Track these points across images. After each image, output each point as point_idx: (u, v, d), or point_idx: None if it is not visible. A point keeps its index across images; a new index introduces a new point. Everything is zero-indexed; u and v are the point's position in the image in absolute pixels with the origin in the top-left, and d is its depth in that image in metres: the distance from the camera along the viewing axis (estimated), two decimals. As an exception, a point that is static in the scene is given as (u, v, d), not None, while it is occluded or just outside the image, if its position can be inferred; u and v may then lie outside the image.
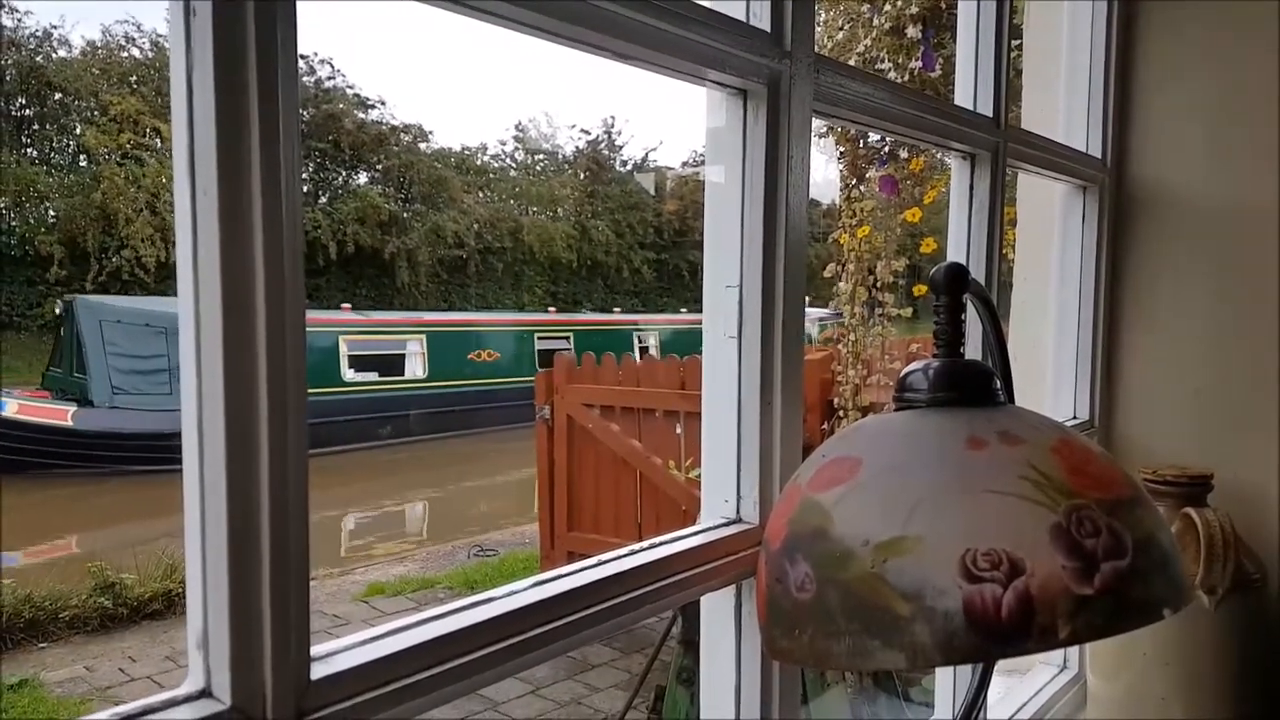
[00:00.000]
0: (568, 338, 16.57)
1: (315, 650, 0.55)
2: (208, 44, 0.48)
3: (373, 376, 14.08)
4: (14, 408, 11.44)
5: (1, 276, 18.55)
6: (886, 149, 3.75)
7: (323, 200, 23.35)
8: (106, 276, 19.39)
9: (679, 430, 5.28)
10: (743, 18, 0.86)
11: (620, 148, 30.19)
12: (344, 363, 13.79)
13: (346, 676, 0.55)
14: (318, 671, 0.54)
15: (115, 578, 6.30)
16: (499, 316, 17.82)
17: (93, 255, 19.37)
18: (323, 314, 15.44)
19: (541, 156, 29.45)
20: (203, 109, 0.49)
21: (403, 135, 25.25)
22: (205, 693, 0.51)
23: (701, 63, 0.79)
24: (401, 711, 0.59)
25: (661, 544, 0.83)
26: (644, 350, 17.10)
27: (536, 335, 16.26)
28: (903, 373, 0.84)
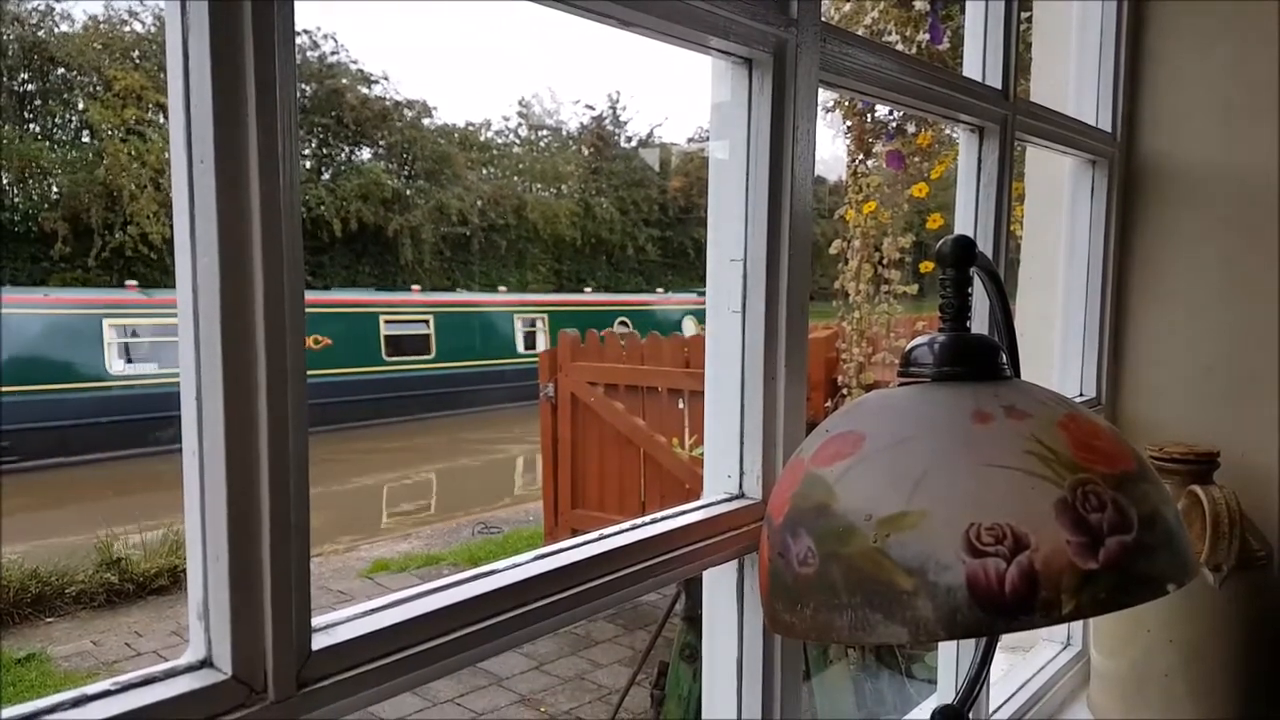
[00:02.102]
0: (427, 320, 14.39)
1: (316, 621, 0.55)
2: (204, 10, 0.48)
3: (150, 369, 11.31)
4: None
5: (4, 253, 18.54)
6: (894, 123, 3.72)
7: (325, 177, 23.29)
8: (110, 253, 19.38)
9: (682, 406, 5.28)
10: (748, -15, 0.84)
11: (625, 124, 30.09)
12: (110, 352, 10.97)
13: (347, 647, 0.55)
14: (319, 642, 0.54)
15: (121, 553, 6.35)
16: (330, 296, 14.84)
17: (97, 232, 19.35)
18: (89, 293, 12.66)
19: (545, 133, 29.33)
20: (199, 78, 0.48)
21: (406, 111, 25.14)
22: (206, 663, 0.51)
23: (706, 30, 0.78)
24: (403, 683, 0.59)
25: (664, 519, 0.83)
26: (530, 335, 15.51)
27: (383, 318, 13.95)
28: (908, 347, 0.84)
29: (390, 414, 13.52)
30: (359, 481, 10.38)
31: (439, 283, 23.35)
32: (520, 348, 15.43)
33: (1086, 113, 1.65)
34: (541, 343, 15.04)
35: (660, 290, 22.50)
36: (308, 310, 0.53)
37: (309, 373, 0.53)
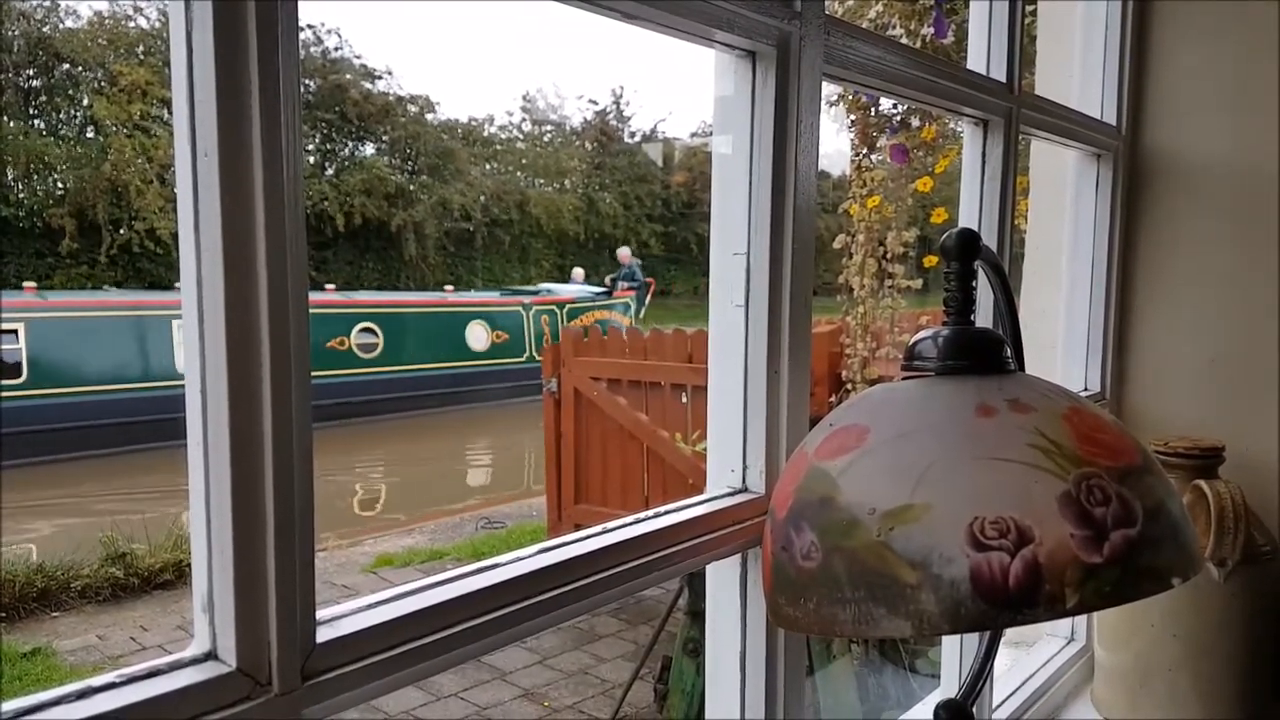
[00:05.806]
0: (15, 331, 9.66)
1: (321, 614, 0.55)
2: (207, 6, 0.48)
3: None
4: None
5: (11, 249, 18.56)
6: (898, 117, 3.71)
7: (329, 172, 23.29)
8: (118, 250, 19.39)
9: (685, 400, 5.28)
10: (752, -22, 0.84)
11: (628, 119, 30.05)
12: None
13: (352, 640, 0.55)
14: (323, 635, 0.54)
15: (126, 548, 6.36)
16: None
17: (103, 228, 19.34)
18: None
19: (549, 128, 29.31)
20: (202, 71, 0.48)
21: (409, 106, 25.12)
22: (211, 655, 0.51)
23: (709, 23, 0.78)
24: (407, 676, 0.59)
25: (667, 513, 0.82)
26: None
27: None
28: (912, 340, 0.84)
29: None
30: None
31: (442, 279, 23.30)
32: (178, 365, 9.94)
33: (1091, 106, 1.64)
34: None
35: (449, 288, 17.48)
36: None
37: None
